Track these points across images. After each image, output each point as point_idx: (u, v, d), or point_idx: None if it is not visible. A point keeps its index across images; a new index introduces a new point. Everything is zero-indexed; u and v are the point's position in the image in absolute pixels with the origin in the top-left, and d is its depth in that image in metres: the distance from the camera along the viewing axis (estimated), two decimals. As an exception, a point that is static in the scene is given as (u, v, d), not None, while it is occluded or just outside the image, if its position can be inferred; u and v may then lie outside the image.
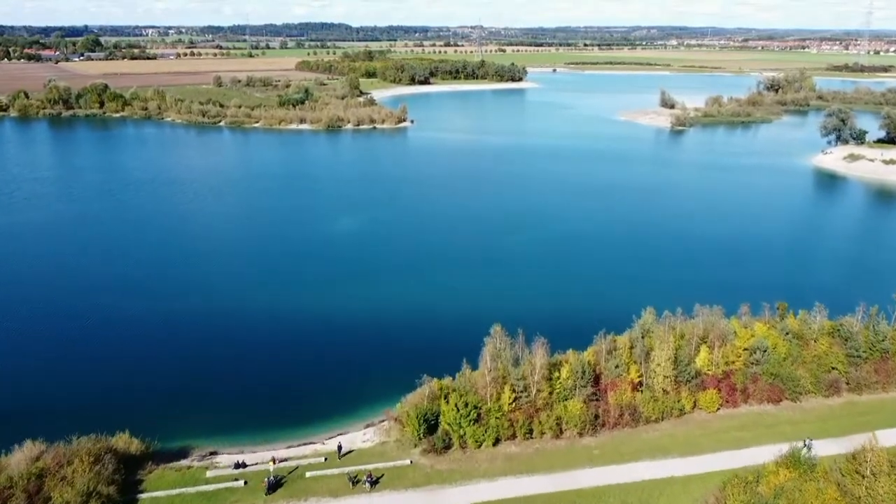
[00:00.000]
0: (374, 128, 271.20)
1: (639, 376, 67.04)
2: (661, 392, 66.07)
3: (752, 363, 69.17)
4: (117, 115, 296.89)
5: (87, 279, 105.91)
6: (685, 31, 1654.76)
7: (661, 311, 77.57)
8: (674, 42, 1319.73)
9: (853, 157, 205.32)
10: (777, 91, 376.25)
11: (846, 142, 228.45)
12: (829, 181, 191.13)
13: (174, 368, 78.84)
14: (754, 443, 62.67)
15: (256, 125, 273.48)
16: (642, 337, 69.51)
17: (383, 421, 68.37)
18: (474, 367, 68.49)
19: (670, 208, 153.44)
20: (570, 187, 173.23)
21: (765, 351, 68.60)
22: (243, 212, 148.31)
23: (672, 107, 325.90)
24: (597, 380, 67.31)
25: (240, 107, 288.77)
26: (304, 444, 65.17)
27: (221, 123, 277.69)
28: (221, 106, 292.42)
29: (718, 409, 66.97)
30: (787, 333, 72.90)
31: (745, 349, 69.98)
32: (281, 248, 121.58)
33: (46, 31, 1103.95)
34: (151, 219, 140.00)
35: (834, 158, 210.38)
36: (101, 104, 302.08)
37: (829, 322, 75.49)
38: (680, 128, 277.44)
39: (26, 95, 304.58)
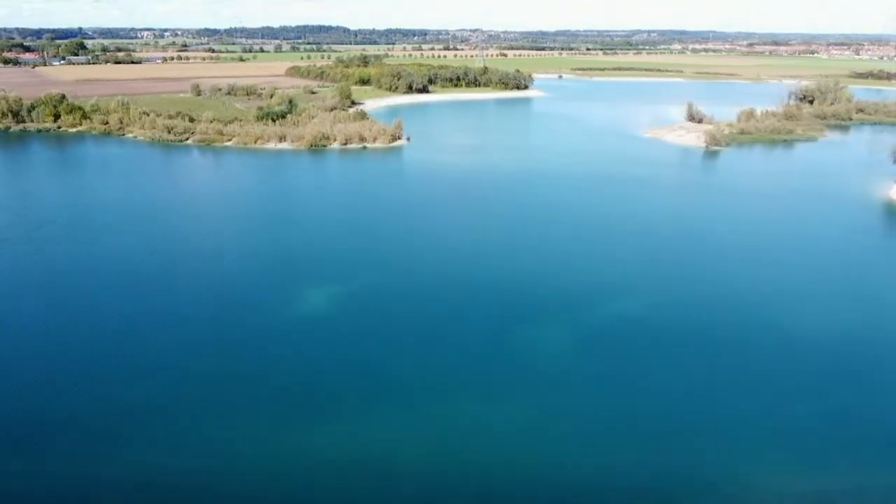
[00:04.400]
0: (365, 147, 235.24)
1: None
2: None
3: None
4: (74, 129, 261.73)
5: None
6: (686, 34, 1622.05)
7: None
8: (677, 46, 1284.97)
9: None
10: (811, 102, 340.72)
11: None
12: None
13: None
14: None
15: (229, 143, 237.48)
16: None
17: None
18: None
19: (741, 276, 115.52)
20: (603, 235, 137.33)
21: None
22: (168, 284, 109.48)
23: (700, 121, 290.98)
24: None
25: (212, 121, 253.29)
26: None
27: (189, 141, 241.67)
28: (191, 120, 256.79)
29: None
30: None
31: None
32: (203, 362, 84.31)
33: (39, 33, 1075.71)
34: (41, 290, 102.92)
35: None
36: (56, 117, 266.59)
37: None
38: (715, 147, 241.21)
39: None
